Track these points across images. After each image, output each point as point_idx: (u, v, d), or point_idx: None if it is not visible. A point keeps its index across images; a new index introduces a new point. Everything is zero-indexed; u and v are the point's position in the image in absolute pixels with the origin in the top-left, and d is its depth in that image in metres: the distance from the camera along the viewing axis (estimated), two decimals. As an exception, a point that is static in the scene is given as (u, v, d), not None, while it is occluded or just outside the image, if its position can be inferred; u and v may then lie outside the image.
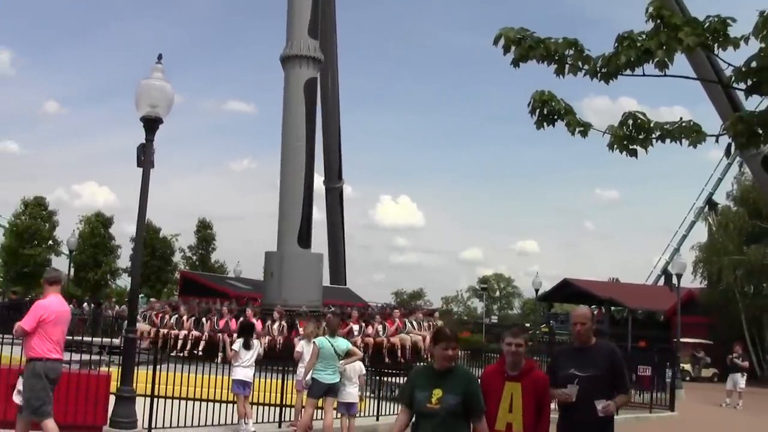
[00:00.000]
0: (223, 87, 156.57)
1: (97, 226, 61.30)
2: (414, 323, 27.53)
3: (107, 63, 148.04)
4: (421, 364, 24.30)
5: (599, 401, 7.36)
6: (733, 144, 6.68)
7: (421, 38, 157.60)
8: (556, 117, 6.81)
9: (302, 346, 15.60)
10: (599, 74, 6.44)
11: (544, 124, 6.84)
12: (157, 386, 13.82)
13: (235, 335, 21.34)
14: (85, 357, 18.69)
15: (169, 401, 13.98)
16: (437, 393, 6.20)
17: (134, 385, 13.07)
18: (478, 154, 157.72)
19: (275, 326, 24.71)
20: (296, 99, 28.91)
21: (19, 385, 10.45)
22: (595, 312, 63.72)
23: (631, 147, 6.81)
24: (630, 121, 6.79)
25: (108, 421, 13.02)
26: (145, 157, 13.56)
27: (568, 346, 8.59)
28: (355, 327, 25.45)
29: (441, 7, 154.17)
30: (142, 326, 25.48)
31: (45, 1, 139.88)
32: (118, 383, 12.96)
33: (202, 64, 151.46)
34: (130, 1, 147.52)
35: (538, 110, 6.79)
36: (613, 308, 59.08)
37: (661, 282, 60.18)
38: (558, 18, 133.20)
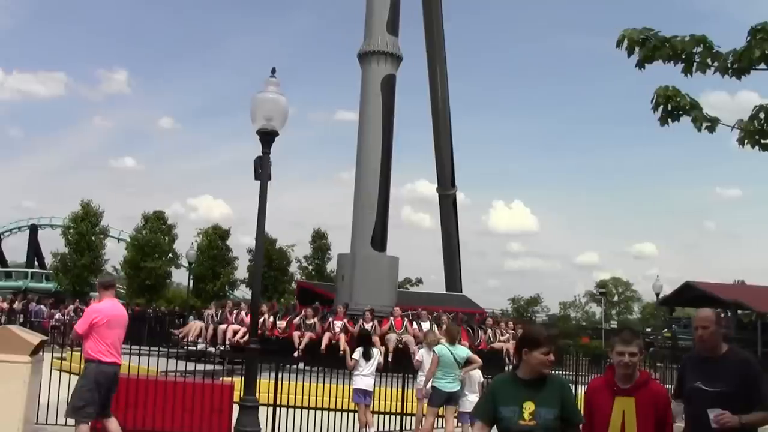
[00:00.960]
0: (332, 98, 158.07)
1: (215, 239, 62.41)
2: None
3: (219, 79, 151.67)
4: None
5: (712, 410, 6.10)
6: None
7: (531, 40, 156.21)
8: (680, 113, 6.51)
9: (422, 355, 15.53)
10: (730, 70, 6.16)
11: (669, 120, 6.56)
12: (279, 395, 13.95)
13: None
14: (208, 367, 19.00)
15: (291, 410, 14.11)
16: (529, 407, 5.29)
17: (257, 394, 13.20)
18: (590, 156, 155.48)
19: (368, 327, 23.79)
20: (373, 96, 28.61)
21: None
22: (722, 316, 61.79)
23: (763, 141, 6.49)
24: (762, 115, 6.46)
25: (232, 431, 13.20)
26: (262, 170, 13.68)
27: (696, 354, 6.77)
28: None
29: (550, 9, 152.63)
30: (194, 324, 25.41)
31: (157, 22, 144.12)
32: (241, 393, 13.11)
33: (311, 75, 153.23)
34: (238, 18, 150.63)
35: (662, 106, 6.52)
36: (739, 312, 57.09)
37: (793, 284, 57.98)
38: (667, 14, 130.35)
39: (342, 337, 23.12)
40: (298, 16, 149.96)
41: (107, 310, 10.81)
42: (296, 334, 24.14)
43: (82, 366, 10.73)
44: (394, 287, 28.98)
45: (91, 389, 10.43)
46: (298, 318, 25.09)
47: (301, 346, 23.53)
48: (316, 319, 24.77)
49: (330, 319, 24.52)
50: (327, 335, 23.63)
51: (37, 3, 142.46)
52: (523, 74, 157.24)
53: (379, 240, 27.96)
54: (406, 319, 24.81)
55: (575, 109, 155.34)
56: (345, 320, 24.33)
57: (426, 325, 23.82)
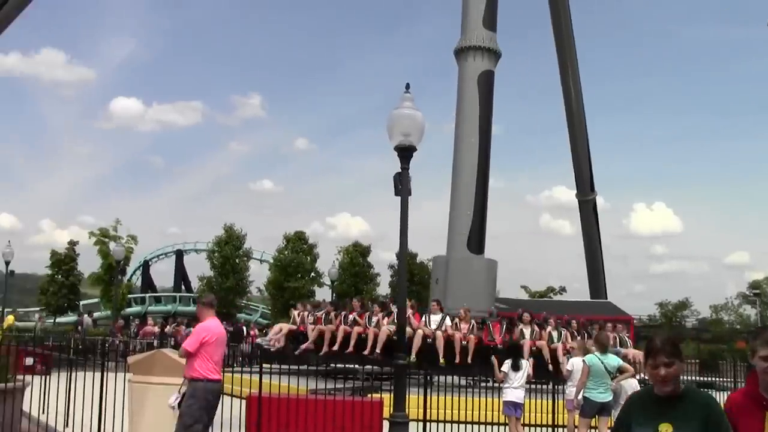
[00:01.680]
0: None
1: (356, 256, 62.88)
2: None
3: (350, 97, 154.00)
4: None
5: None
6: None
7: (665, 34, 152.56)
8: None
9: (572, 364, 15.26)
10: None
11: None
12: (428, 410, 13.91)
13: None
14: (357, 384, 19.12)
15: (441, 425, 14.05)
16: (665, 429, 4.48)
17: (407, 410, 13.20)
18: (735, 150, 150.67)
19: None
20: (469, 93, 27.86)
21: (172, 400, 10.79)
22: None
23: None
24: None
25: (383, 447, 13.21)
26: (402, 185, 13.71)
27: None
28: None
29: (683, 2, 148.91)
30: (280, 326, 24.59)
31: (286, 45, 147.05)
32: (391, 409, 13.11)
33: (444, 86, 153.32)
34: (367, 37, 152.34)
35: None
36: None
37: None
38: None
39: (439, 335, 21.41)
40: (424, 28, 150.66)
41: (214, 328, 11.01)
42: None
43: (186, 385, 10.87)
44: (492, 291, 28.04)
45: (201, 407, 10.58)
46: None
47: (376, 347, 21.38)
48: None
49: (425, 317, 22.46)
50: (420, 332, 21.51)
51: (171, 37, 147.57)
52: (657, 69, 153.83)
53: (476, 242, 27.21)
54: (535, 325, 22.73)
55: (717, 102, 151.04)
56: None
57: (555, 334, 22.41)
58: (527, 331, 22.11)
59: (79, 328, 45.08)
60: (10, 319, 16.10)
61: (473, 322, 22.40)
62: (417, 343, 20.82)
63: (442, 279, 26.89)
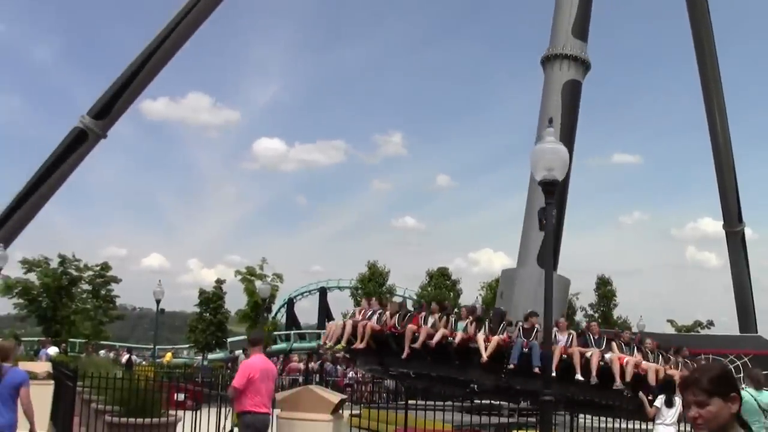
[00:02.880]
0: (608, 141, 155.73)
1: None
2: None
3: (490, 134, 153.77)
4: None
5: None
6: None
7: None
8: None
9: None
10: None
11: None
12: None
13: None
14: (502, 420, 19.07)
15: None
16: None
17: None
18: None
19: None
20: (553, 101, 26.78)
21: None
22: None
23: None
24: None
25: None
26: (546, 220, 13.75)
27: None
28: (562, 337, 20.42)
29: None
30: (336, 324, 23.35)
31: (425, 84, 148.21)
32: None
33: (584, 120, 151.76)
34: (507, 76, 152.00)
35: None
36: None
37: None
38: None
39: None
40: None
41: (259, 364, 11.58)
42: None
43: (236, 419, 11.40)
44: (561, 309, 25.66)
45: None
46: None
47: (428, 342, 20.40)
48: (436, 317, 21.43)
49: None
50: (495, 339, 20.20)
51: (312, 79, 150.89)
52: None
53: (549, 258, 25.67)
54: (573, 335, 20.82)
55: None
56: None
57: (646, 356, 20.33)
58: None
59: (230, 364, 46.20)
60: (168, 356, 16.86)
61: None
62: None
63: (507, 293, 25.75)
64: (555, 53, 27.20)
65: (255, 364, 11.59)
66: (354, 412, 20.71)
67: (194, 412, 16.43)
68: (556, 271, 26.57)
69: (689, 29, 37.26)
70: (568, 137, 26.86)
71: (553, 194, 13.79)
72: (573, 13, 27.48)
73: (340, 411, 13.55)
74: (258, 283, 52.07)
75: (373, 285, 61.10)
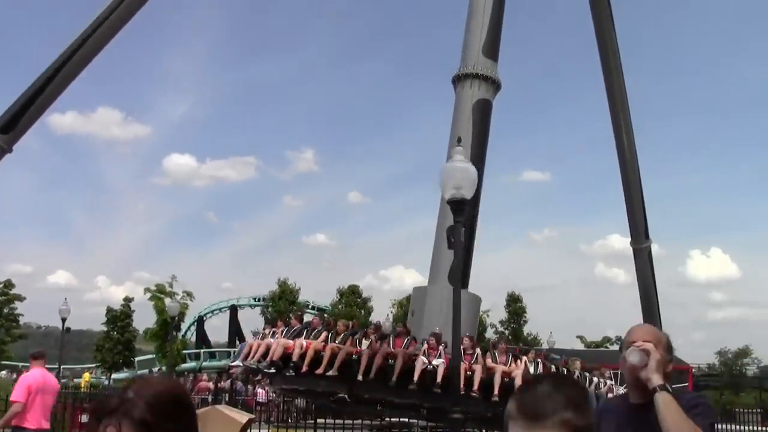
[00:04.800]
0: (517, 159, 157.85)
1: (409, 308, 62.71)
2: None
3: (402, 151, 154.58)
4: None
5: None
6: None
7: (716, 74, 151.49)
8: None
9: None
10: None
11: None
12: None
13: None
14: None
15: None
16: None
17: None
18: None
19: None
20: (463, 120, 26.87)
21: None
22: None
23: None
24: None
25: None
26: (455, 238, 13.76)
27: (615, 402, 4.54)
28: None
29: (736, 40, 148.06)
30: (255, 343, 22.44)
31: (339, 100, 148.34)
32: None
33: (494, 139, 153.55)
34: (419, 91, 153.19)
35: None
36: None
37: None
38: None
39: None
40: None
41: (39, 378, 11.52)
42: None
43: None
44: (472, 327, 25.99)
45: None
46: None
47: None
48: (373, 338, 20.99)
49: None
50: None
51: (222, 96, 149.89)
52: (707, 111, 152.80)
53: (458, 275, 26.04)
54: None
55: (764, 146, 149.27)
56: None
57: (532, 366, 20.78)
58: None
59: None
60: (86, 377, 16.59)
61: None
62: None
63: (419, 311, 25.64)
64: (466, 73, 27.31)
65: (36, 379, 11.49)
66: (265, 431, 20.48)
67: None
68: (467, 289, 26.66)
69: (596, 46, 37.85)
70: (478, 155, 27.00)
71: (461, 213, 13.79)
72: (483, 33, 27.61)
73: (249, 431, 13.28)
74: (167, 301, 51.24)
75: (283, 302, 60.66)
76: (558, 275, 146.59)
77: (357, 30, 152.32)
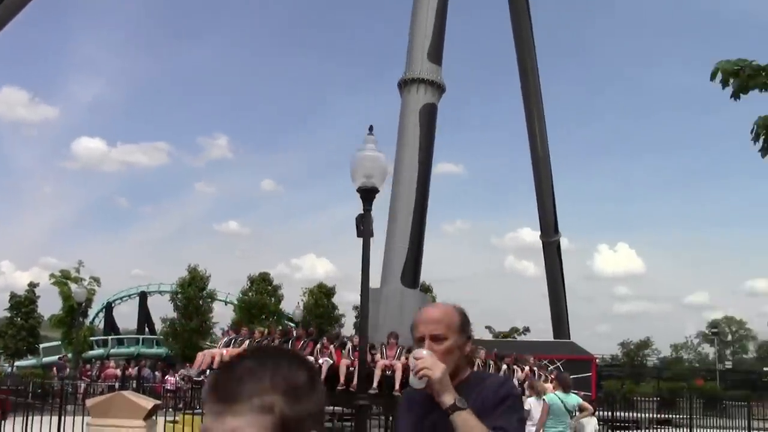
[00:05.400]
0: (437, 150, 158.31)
1: (320, 297, 62.76)
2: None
3: (319, 139, 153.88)
4: None
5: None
6: None
7: (626, 78, 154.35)
8: (784, 143, 6.40)
9: (530, 404, 15.43)
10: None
11: (772, 150, 6.47)
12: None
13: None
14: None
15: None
16: None
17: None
18: (695, 193, 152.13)
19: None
20: (410, 125, 27.47)
21: None
22: None
23: None
24: None
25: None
26: (364, 227, 13.88)
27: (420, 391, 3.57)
28: None
29: (647, 45, 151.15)
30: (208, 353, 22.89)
31: (254, 86, 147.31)
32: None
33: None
34: (337, 79, 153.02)
35: (762, 137, 6.45)
36: None
37: None
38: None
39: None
40: (395, 73, 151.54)
41: None
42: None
43: None
44: None
45: None
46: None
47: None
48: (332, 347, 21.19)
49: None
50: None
51: (135, 79, 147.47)
52: (618, 113, 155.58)
53: (410, 275, 26.72)
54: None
55: (674, 146, 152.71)
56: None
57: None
58: None
59: (55, 370, 44.49)
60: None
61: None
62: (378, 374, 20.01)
63: (373, 312, 26.05)
64: (412, 77, 27.72)
65: None
66: (172, 418, 20.37)
67: (1, 421, 15.79)
68: (418, 288, 27.06)
69: (512, 42, 38.40)
70: (426, 159, 27.71)
71: (371, 201, 13.93)
72: (428, 38, 28.03)
73: (154, 417, 13.26)
74: (73, 287, 50.25)
75: (193, 289, 60.07)
76: (469, 266, 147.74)
77: (277, 18, 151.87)
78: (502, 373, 21.54)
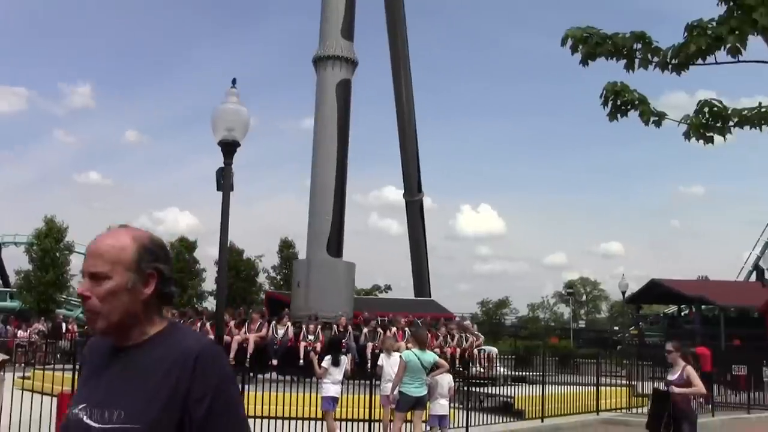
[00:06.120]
0: (299, 106, 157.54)
1: (181, 251, 61.96)
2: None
3: (186, 90, 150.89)
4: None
5: None
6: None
7: (493, 43, 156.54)
8: (629, 107, 6.68)
9: (383, 360, 15.61)
10: (670, 66, 6.34)
11: (618, 115, 6.73)
12: (245, 406, 13.91)
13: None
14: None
15: (256, 420, 14.07)
16: None
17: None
18: (556, 157, 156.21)
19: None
20: (328, 101, 28.33)
21: None
22: (685, 313, 62.50)
23: (707, 135, 6.66)
24: (706, 109, 6.65)
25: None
26: (224, 180, 13.70)
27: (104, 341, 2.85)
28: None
29: (513, 11, 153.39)
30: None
31: (121, 34, 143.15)
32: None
33: (279, 84, 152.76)
34: (205, 29, 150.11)
35: (611, 101, 6.67)
36: (704, 307, 57.74)
37: (753, 278, 58.91)
38: (634, 15, 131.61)
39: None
40: (265, 25, 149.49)
41: None
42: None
43: None
44: (352, 293, 28.76)
45: None
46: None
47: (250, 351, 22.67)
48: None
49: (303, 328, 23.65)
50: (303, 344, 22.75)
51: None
52: (483, 77, 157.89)
53: (335, 246, 27.65)
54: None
55: (537, 111, 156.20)
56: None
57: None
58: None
59: None
60: None
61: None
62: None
63: (304, 282, 27.18)
64: (327, 54, 28.35)
65: None
66: (21, 374, 19.83)
67: None
68: (342, 257, 28.13)
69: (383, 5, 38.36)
70: (342, 135, 28.29)
71: (231, 155, 13.77)
72: (341, 15, 28.61)
73: (2, 372, 12.85)
74: None
75: (50, 241, 58.47)
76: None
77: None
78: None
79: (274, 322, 23.71)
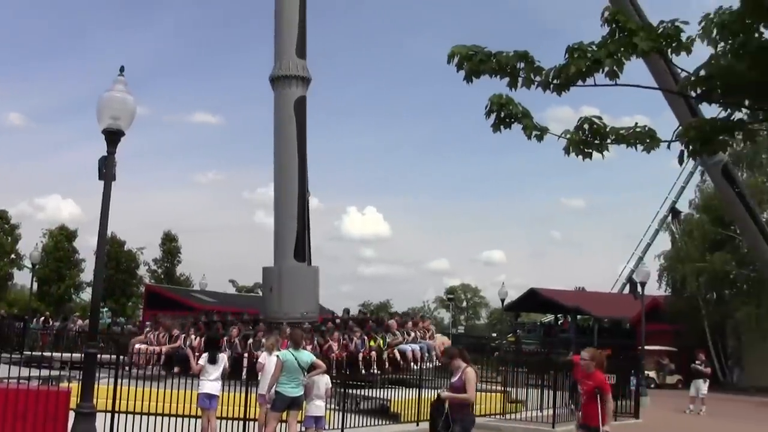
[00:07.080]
0: (190, 99, 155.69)
1: (61, 240, 60.72)
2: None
3: (72, 77, 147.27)
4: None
5: None
6: (685, 151, 6.78)
7: (384, 46, 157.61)
8: (512, 120, 6.83)
9: (264, 358, 15.57)
10: (551, 86, 6.51)
11: (501, 127, 6.88)
12: (118, 401, 13.68)
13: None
14: (47, 373, 18.51)
15: (131, 416, 13.87)
16: None
17: (95, 400, 12.88)
18: (443, 164, 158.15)
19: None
20: (287, 118, 29.18)
21: None
22: (561, 322, 64.04)
23: (586, 150, 6.88)
24: (586, 126, 6.88)
25: (67, 439, 12.78)
26: (106, 170, 13.44)
27: None
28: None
29: (406, 18, 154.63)
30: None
31: (10, 13, 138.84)
32: (78, 399, 12.75)
33: (170, 76, 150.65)
34: (97, 15, 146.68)
35: (495, 114, 6.81)
36: (579, 317, 59.29)
37: (627, 290, 60.58)
38: (524, 31, 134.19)
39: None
40: (161, 16, 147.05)
41: None
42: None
43: None
44: (317, 296, 29.78)
45: None
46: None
47: None
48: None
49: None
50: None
51: None
52: (374, 83, 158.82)
53: (302, 253, 28.73)
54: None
55: (426, 116, 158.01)
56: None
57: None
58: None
59: None
60: None
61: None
62: None
63: (276, 288, 28.21)
64: (283, 74, 29.13)
65: None
66: None
67: None
68: (310, 263, 29.08)
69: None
70: (302, 148, 29.17)
71: (116, 144, 13.53)
72: (294, 34, 29.40)
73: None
74: None
75: None
76: (218, 219, 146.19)
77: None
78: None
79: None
